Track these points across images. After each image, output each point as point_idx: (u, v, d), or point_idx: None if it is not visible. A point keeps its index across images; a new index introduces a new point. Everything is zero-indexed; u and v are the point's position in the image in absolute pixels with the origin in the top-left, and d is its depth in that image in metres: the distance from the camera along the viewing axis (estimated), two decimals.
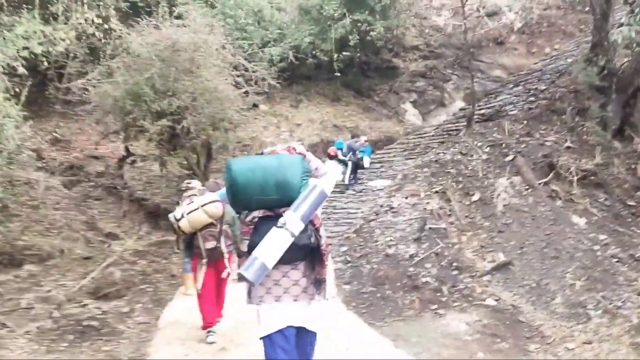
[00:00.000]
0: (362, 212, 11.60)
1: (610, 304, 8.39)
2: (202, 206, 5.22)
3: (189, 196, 5.74)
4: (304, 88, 17.73)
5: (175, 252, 8.44)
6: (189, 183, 7.24)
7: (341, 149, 13.72)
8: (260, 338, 3.23)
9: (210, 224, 5.34)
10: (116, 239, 10.39)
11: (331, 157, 13.21)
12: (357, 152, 13.91)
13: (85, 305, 7.86)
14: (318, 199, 3.03)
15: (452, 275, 9.15)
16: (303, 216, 2.97)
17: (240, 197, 3.07)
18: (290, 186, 3.04)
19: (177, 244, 7.55)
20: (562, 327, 7.88)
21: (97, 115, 8.61)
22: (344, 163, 13.40)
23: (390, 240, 9.90)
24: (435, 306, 8.10)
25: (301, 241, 3.01)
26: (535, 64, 18.26)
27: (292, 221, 2.94)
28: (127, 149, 9.66)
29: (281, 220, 2.94)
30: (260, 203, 3.08)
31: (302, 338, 3.27)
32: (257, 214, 3.15)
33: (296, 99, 17.08)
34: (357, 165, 13.99)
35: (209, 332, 5.94)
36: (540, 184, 11.74)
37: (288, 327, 3.17)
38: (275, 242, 2.91)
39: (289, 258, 3.01)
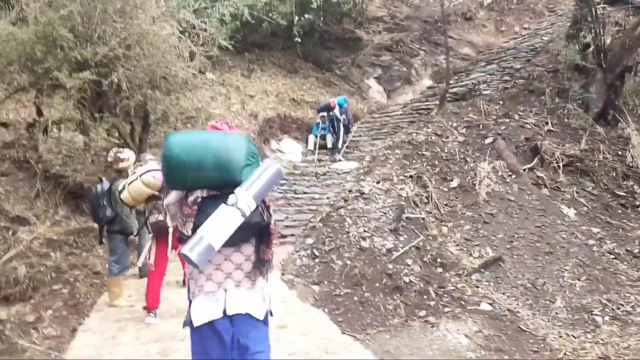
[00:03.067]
0: (328, 197, 10.22)
1: (617, 308, 7.46)
2: (140, 176, 4.86)
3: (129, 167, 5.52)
4: (257, 57, 16.10)
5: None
6: (118, 152, 5.63)
7: (342, 106, 12.48)
8: (187, 327, 2.97)
9: (155, 196, 4.95)
10: (25, 224, 8.50)
11: (328, 109, 12.61)
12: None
13: None
14: (273, 178, 2.86)
15: (437, 273, 7.95)
16: (256, 195, 2.76)
17: (174, 171, 2.82)
18: (232, 165, 2.80)
19: (99, 236, 5.96)
20: (569, 337, 6.86)
21: None
22: (332, 126, 12.73)
23: (364, 231, 8.57)
24: (424, 312, 6.87)
25: (252, 219, 2.77)
26: (506, 42, 17.44)
27: (243, 200, 2.72)
28: (38, 111, 7.66)
29: (231, 198, 2.71)
30: (196, 181, 2.83)
31: (244, 327, 2.89)
32: (200, 193, 2.89)
33: (248, 68, 15.42)
34: (347, 129, 13.04)
35: (150, 312, 5.69)
36: (525, 169, 10.74)
37: (224, 317, 2.86)
38: (223, 222, 2.68)
39: (233, 240, 2.76)
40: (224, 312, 2.84)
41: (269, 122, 13.32)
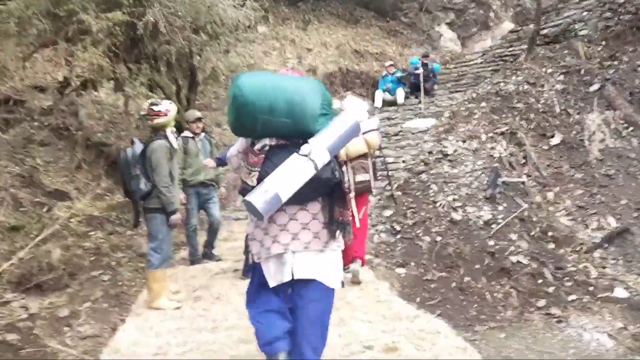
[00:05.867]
0: (404, 161, 8.86)
1: None
2: (364, 134, 4.62)
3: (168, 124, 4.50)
4: (313, 6, 14.67)
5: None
6: (153, 104, 4.53)
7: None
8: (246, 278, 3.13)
9: (364, 155, 4.80)
10: (65, 198, 7.66)
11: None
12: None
13: (3, 302, 5.27)
14: (350, 131, 2.65)
15: (549, 250, 6.54)
16: (331, 147, 2.56)
17: (244, 115, 2.59)
18: (306, 112, 2.58)
19: (134, 215, 4.84)
20: None
21: (16, 12, 5.60)
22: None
23: (454, 199, 7.22)
24: (543, 302, 5.53)
25: (323, 174, 2.56)
26: None
27: (318, 150, 2.51)
28: (67, 64, 6.58)
29: (305, 148, 2.51)
30: (266, 126, 2.60)
31: (310, 294, 2.70)
32: (268, 141, 2.65)
33: (304, 19, 14.05)
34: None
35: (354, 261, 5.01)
36: None
37: (289, 282, 2.69)
38: (294, 172, 2.48)
39: (299, 196, 2.53)
40: (292, 275, 2.68)
41: (329, 77, 11.99)
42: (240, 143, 2.80)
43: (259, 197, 2.42)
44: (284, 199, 2.47)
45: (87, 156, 8.59)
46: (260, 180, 2.57)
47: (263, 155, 2.64)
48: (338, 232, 2.74)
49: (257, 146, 2.66)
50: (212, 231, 6.12)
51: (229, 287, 4.90)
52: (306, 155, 2.50)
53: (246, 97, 2.56)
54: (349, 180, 4.47)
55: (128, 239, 6.68)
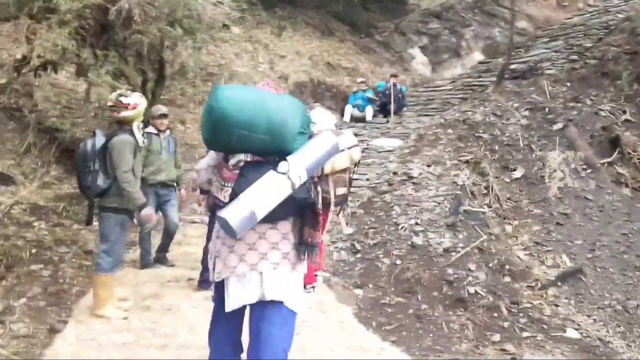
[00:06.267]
0: (367, 179, 8.79)
1: None
2: (349, 149, 4.42)
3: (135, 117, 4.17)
4: (289, 14, 14.55)
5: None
6: (121, 95, 4.24)
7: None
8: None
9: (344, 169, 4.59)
10: (9, 183, 7.20)
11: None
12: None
13: None
14: (329, 151, 2.62)
15: (506, 284, 6.57)
16: (309, 168, 2.51)
17: (220, 128, 2.50)
18: (285, 130, 2.51)
19: (87, 213, 4.48)
20: None
21: None
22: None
23: (416, 223, 7.17)
24: (498, 336, 5.50)
25: (298, 194, 2.50)
26: (570, 17, 15.73)
27: (296, 169, 2.46)
28: (28, 42, 6.12)
29: (283, 166, 2.46)
30: (242, 141, 2.51)
31: (273, 317, 2.56)
32: (243, 157, 2.56)
33: (279, 25, 13.88)
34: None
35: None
36: (603, 164, 9.22)
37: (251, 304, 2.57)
38: (270, 190, 2.42)
39: (270, 215, 2.47)
40: (260, 297, 2.55)
41: (300, 87, 11.85)
42: (211, 156, 2.73)
43: (235, 215, 2.36)
44: (260, 217, 2.41)
45: (38, 140, 8.12)
46: (233, 196, 2.49)
47: (237, 171, 2.56)
48: (306, 254, 2.66)
49: (232, 161, 2.59)
50: (168, 235, 5.78)
51: (181, 297, 4.58)
52: (284, 173, 2.45)
53: (224, 110, 2.48)
54: (329, 193, 4.34)
55: (74, 234, 6.30)
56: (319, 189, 2.74)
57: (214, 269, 2.69)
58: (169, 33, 5.95)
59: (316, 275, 5.11)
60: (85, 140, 4.29)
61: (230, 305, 2.56)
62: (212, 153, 2.75)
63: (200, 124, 2.69)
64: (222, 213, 2.37)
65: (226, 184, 2.56)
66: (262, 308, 2.56)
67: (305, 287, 3.17)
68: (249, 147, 2.54)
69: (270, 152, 2.55)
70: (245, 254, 2.57)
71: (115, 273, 4.28)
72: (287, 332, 2.62)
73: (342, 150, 4.08)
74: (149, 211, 4.27)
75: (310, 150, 2.55)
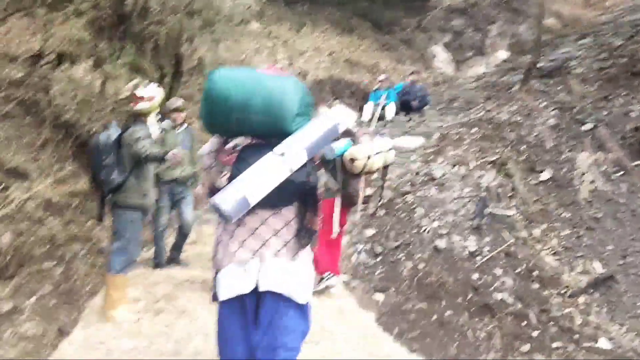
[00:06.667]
0: (389, 178, 8.53)
1: None
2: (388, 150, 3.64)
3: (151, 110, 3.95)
4: (309, 10, 14.36)
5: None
6: (138, 87, 4.06)
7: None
8: (216, 301, 2.49)
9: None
10: (24, 178, 7.08)
11: None
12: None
13: None
14: (328, 133, 2.43)
15: (534, 290, 6.28)
16: (308, 149, 2.35)
17: (217, 110, 2.43)
18: (283, 110, 2.39)
19: (99, 209, 4.32)
20: None
21: None
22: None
23: (440, 226, 6.91)
24: (527, 346, 5.24)
25: (298, 178, 2.36)
26: (599, 15, 15.28)
27: (293, 151, 2.32)
28: (44, 33, 6.00)
29: (279, 148, 2.32)
30: (241, 124, 2.42)
31: (276, 308, 2.39)
32: (242, 140, 2.49)
33: (298, 21, 13.68)
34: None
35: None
36: (635, 166, 8.85)
37: (253, 292, 2.38)
38: (266, 173, 2.27)
39: (272, 200, 2.32)
40: (256, 286, 2.40)
41: (319, 84, 11.64)
42: (212, 142, 2.64)
43: (227, 199, 2.22)
44: (253, 201, 2.26)
45: (55, 135, 8.01)
46: (232, 180, 2.36)
47: (236, 154, 2.47)
48: (306, 240, 2.53)
49: (230, 144, 2.53)
50: (182, 234, 5.61)
51: (196, 300, 4.39)
52: (281, 155, 2.32)
53: (220, 92, 2.42)
54: (358, 193, 4.16)
55: (88, 230, 6.16)
56: (319, 173, 2.57)
57: (216, 255, 2.57)
58: (187, 25, 5.77)
59: (329, 275, 4.93)
60: (99, 133, 4.11)
61: (222, 294, 2.43)
62: (213, 138, 2.65)
63: (199, 109, 2.57)
64: (215, 198, 2.23)
65: (225, 168, 2.50)
66: (264, 299, 2.40)
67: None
68: (248, 129, 2.46)
69: (270, 134, 2.44)
70: (246, 240, 2.46)
71: (128, 274, 4.08)
72: (295, 327, 2.45)
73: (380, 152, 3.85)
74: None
75: (309, 131, 2.43)
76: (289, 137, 2.38)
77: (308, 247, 2.54)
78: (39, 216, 6.14)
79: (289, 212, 2.50)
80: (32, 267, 5.26)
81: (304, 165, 2.39)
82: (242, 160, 2.39)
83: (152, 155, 3.87)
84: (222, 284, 2.46)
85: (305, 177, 2.42)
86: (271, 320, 2.39)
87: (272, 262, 2.42)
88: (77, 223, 6.26)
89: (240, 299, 2.42)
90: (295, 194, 2.45)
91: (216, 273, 2.54)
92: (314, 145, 2.40)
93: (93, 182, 4.12)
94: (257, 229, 2.46)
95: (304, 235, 2.51)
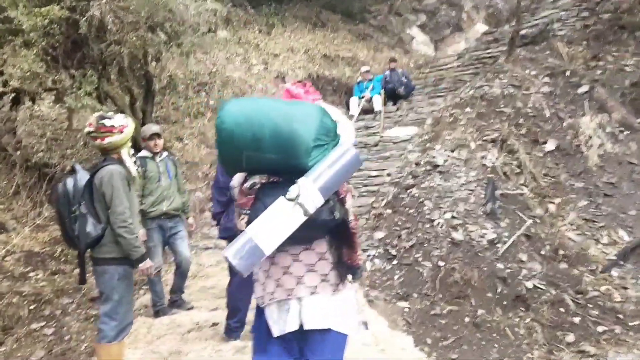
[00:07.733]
0: (388, 174, 8.15)
1: None
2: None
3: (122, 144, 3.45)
4: (276, 10, 13.90)
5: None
6: (103, 118, 3.58)
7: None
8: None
9: None
10: (1, 231, 6.60)
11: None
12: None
13: None
14: (349, 166, 2.23)
15: (563, 271, 5.90)
16: (324, 188, 2.18)
17: (226, 148, 2.27)
18: (295, 145, 2.19)
19: (80, 271, 3.71)
20: None
21: None
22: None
23: (453, 217, 6.51)
24: (571, 336, 4.84)
25: (320, 217, 2.20)
26: None
27: (307, 193, 2.15)
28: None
29: (292, 190, 2.16)
30: (251, 162, 2.25)
31: (322, 346, 2.36)
32: (258, 179, 2.37)
33: (267, 23, 13.24)
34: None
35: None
36: None
37: (297, 332, 2.34)
38: (278, 219, 2.14)
39: (300, 236, 2.21)
40: (301, 325, 2.33)
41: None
42: (238, 178, 2.48)
43: (236, 252, 2.10)
44: (268, 251, 2.14)
45: (27, 179, 7.52)
46: (249, 224, 2.22)
47: (252, 196, 2.34)
48: (351, 276, 2.45)
49: (246, 184, 2.40)
50: (181, 273, 5.07)
51: (210, 352, 3.75)
52: (293, 200, 2.15)
53: (228, 129, 2.23)
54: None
55: (76, 280, 5.68)
56: (348, 205, 2.39)
57: (255, 295, 2.50)
58: (150, 40, 5.29)
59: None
60: (64, 179, 3.55)
61: (275, 331, 2.37)
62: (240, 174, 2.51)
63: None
64: (225, 250, 2.14)
65: (243, 211, 2.39)
66: (311, 336, 2.36)
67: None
68: (260, 168, 2.30)
69: (285, 171, 2.28)
70: (281, 278, 2.37)
71: (122, 340, 3.49)
72: (338, 355, 2.43)
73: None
74: (147, 264, 3.54)
75: (325, 167, 2.22)
76: (304, 176, 2.19)
77: (351, 281, 2.46)
78: (21, 271, 5.67)
79: (321, 246, 2.39)
80: (20, 331, 4.79)
81: (327, 202, 2.21)
82: (259, 203, 2.24)
83: (129, 242, 3.40)
84: (271, 322, 2.39)
85: (328, 215, 2.23)
86: (311, 353, 2.37)
87: (311, 301, 2.35)
88: (63, 273, 5.79)
89: (283, 337, 2.36)
90: (324, 229, 2.30)
91: (257, 308, 2.48)
92: (332, 184, 2.20)
93: (66, 240, 3.52)
94: (289, 267, 2.36)
95: (346, 271, 2.41)
